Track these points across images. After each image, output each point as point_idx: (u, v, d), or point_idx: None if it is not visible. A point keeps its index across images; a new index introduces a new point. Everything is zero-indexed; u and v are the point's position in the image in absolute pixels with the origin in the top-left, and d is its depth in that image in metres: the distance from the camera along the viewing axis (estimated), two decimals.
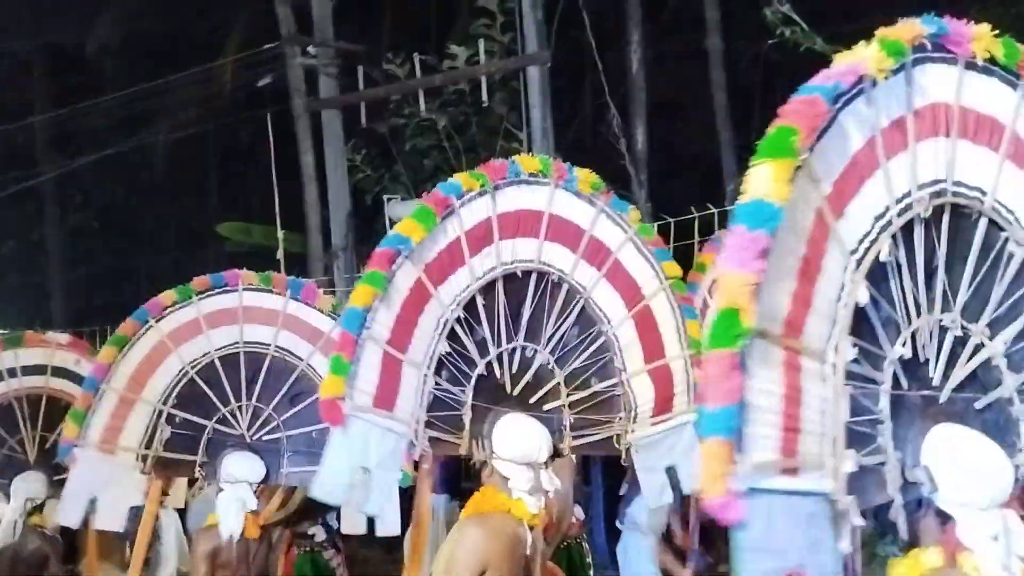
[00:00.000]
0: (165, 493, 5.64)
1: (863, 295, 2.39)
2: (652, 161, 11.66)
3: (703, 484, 2.17)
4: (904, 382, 2.53)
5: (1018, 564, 2.22)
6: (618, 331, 4.11)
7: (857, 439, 2.36)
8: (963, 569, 2.26)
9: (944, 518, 2.36)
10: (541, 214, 4.03)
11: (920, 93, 2.54)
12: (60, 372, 6.52)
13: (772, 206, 2.18)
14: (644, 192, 11.06)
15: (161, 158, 16.80)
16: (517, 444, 3.51)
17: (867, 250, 2.43)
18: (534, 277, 4.00)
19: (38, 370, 6.46)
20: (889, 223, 2.48)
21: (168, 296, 5.23)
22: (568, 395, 3.99)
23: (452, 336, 3.83)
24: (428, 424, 3.71)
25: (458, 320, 3.83)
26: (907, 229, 2.54)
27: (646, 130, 11.67)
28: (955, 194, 2.58)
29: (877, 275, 2.46)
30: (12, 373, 6.42)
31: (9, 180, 16.07)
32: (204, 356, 5.12)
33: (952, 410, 2.54)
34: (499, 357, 3.95)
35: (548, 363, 4.00)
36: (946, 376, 2.59)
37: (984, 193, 2.60)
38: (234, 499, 4.65)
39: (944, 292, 2.58)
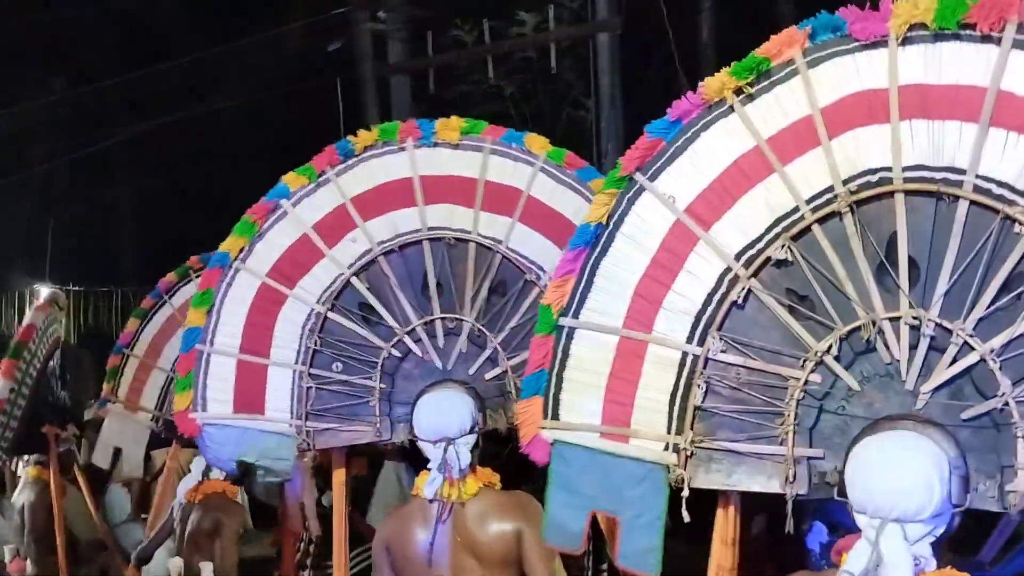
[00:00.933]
0: None
1: (736, 294, 2.59)
2: None
3: (521, 430, 2.87)
4: (852, 383, 2.47)
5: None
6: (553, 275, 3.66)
7: (741, 427, 2.60)
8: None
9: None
10: (410, 180, 3.77)
11: (832, 88, 2.52)
12: None
13: (588, 226, 2.79)
14: None
15: (228, 123, 16.90)
16: (423, 420, 3.36)
17: (761, 251, 2.57)
18: (427, 246, 3.74)
19: None
20: (795, 222, 2.53)
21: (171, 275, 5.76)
22: (508, 358, 3.65)
23: (341, 329, 3.76)
24: (317, 417, 3.73)
25: (338, 311, 3.76)
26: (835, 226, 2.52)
27: None
28: (910, 179, 2.42)
29: (786, 275, 2.56)
30: None
31: (81, 143, 16.31)
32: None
33: (924, 418, 2.35)
34: (413, 335, 3.72)
35: (477, 330, 3.68)
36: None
37: (960, 172, 2.36)
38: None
39: (923, 288, 2.41)
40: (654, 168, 2.73)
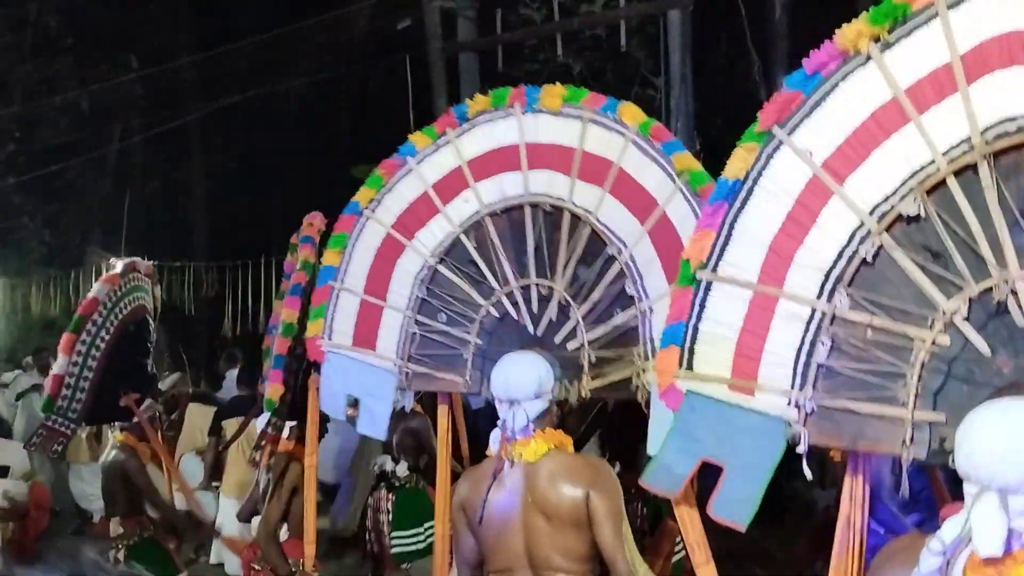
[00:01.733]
0: None
1: (867, 250, 2.54)
2: None
3: (657, 379, 2.96)
4: (982, 347, 2.35)
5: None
6: (634, 251, 3.57)
7: (863, 387, 2.55)
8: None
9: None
10: (516, 147, 3.82)
11: (973, 31, 2.38)
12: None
13: (727, 181, 2.81)
14: None
15: (299, 101, 17.09)
16: (493, 381, 3.41)
17: (894, 206, 2.50)
18: (528, 211, 3.80)
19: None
20: (930, 175, 2.44)
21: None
22: (587, 330, 3.66)
23: (442, 282, 3.97)
24: (417, 361, 4.02)
25: (447, 265, 3.96)
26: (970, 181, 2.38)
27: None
28: None
29: (919, 231, 2.47)
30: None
31: (154, 122, 16.58)
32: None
33: None
34: (511, 297, 3.82)
35: (564, 300, 3.71)
36: None
37: None
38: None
39: None
40: (792, 122, 2.72)
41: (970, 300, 2.37)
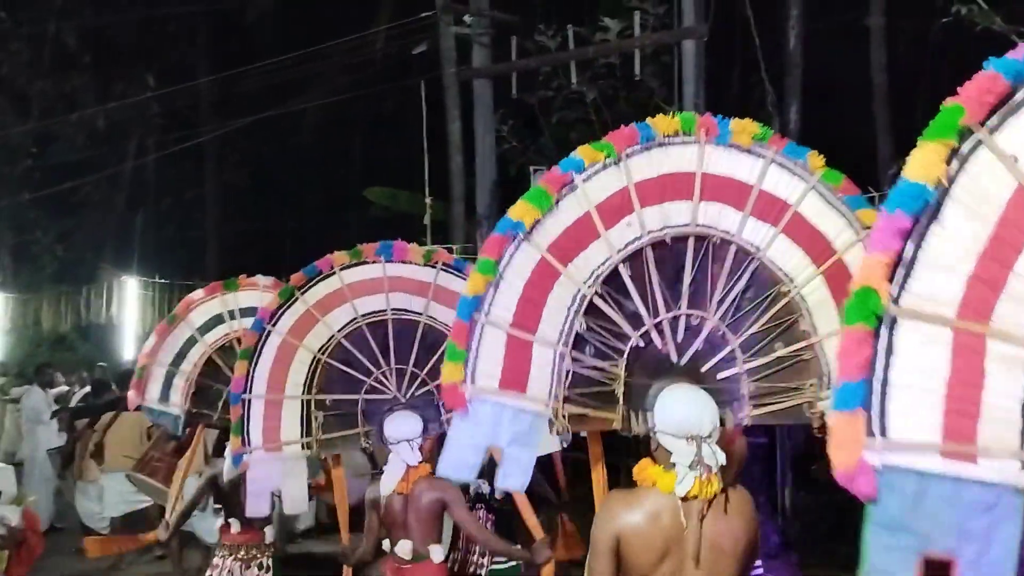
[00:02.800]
0: None
1: None
2: (805, 141, 11.25)
3: (833, 455, 2.24)
4: None
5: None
6: (804, 290, 3.63)
7: None
8: None
9: None
10: (692, 175, 3.69)
11: None
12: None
13: (920, 187, 2.20)
14: None
15: (313, 123, 17.18)
16: (675, 416, 3.25)
17: None
18: (692, 242, 3.67)
19: (252, 312, 6.51)
20: None
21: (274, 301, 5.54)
22: (745, 362, 3.66)
23: (595, 312, 3.67)
24: (571, 400, 3.65)
25: (601, 295, 3.66)
26: None
27: (800, 109, 11.27)
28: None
29: None
30: (232, 315, 6.70)
31: (170, 140, 16.67)
32: (330, 340, 5.42)
33: None
34: (659, 327, 3.68)
35: (719, 330, 3.66)
36: None
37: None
38: (396, 459, 4.93)
39: None
40: (994, 119, 2.20)
41: None
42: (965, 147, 2.20)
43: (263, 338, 5.36)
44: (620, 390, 3.64)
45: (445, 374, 3.64)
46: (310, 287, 5.45)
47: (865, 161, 11.19)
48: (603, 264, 3.65)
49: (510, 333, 3.65)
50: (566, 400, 3.64)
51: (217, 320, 6.64)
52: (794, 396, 3.62)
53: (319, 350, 5.38)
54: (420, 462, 4.91)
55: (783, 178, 3.66)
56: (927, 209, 2.20)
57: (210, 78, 15.82)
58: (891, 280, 2.22)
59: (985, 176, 2.19)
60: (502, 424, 3.63)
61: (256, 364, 5.34)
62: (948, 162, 2.19)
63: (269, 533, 5.85)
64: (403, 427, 4.94)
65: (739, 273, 3.65)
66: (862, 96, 11.78)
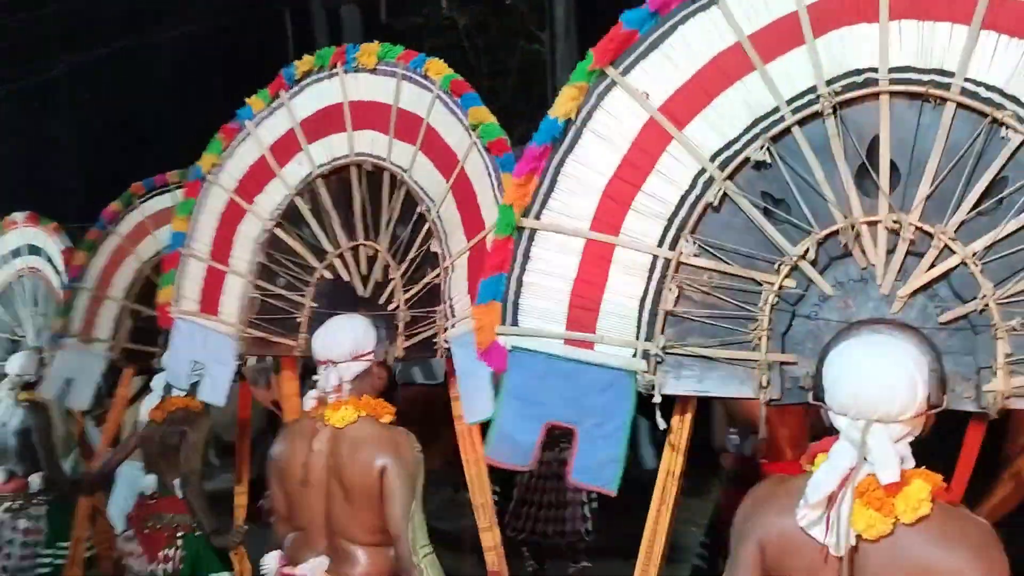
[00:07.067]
0: None
1: (712, 196, 2.52)
2: None
3: (476, 336, 2.80)
4: (826, 288, 2.42)
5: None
6: (441, 209, 3.59)
7: (713, 332, 2.54)
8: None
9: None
10: (340, 106, 3.85)
11: None
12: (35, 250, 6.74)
13: (552, 121, 2.68)
14: None
15: (172, 55, 16.50)
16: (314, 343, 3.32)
17: (738, 152, 2.50)
18: (354, 171, 3.80)
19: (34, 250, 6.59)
20: (775, 123, 2.46)
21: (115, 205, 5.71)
22: (404, 290, 3.64)
23: (285, 247, 3.94)
24: (255, 326, 3.97)
25: (284, 229, 3.95)
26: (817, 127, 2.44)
27: None
28: (896, 81, 2.36)
29: (762, 178, 2.49)
30: (16, 253, 6.58)
31: (16, 75, 15.83)
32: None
33: (900, 322, 2.32)
34: (343, 259, 3.82)
35: (386, 260, 3.72)
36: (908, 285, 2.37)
37: (949, 75, 2.32)
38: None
39: (903, 193, 2.37)
40: (627, 62, 2.64)
41: (816, 243, 2.42)
42: (602, 86, 2.66)
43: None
44: (303, 319, 3.86)
45: (159, 295, 4.22)
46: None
47: None
48: (282, 201, 3.95)
49: (209, 264, 4.11)
50: (250, 325, 3.99)
51: None
52: (429, 326, 3.56)
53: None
54: None
55: (415, 92, 3.70)
56: (562, 139, 2.68)
57: (59, 7, 15.05)
58: (534, 198, 2.72)
59: (618, 109, 2.63)
60: (198, 342, 4.08)
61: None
62: (585, 102, 2.66)
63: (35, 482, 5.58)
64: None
65: (395, 199, 3.72)
66: None
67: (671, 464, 2.72)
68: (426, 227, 3.60)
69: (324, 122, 3.87)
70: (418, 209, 3.62)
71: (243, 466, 4.47)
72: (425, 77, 3.64)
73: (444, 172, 3.57)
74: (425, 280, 3.58)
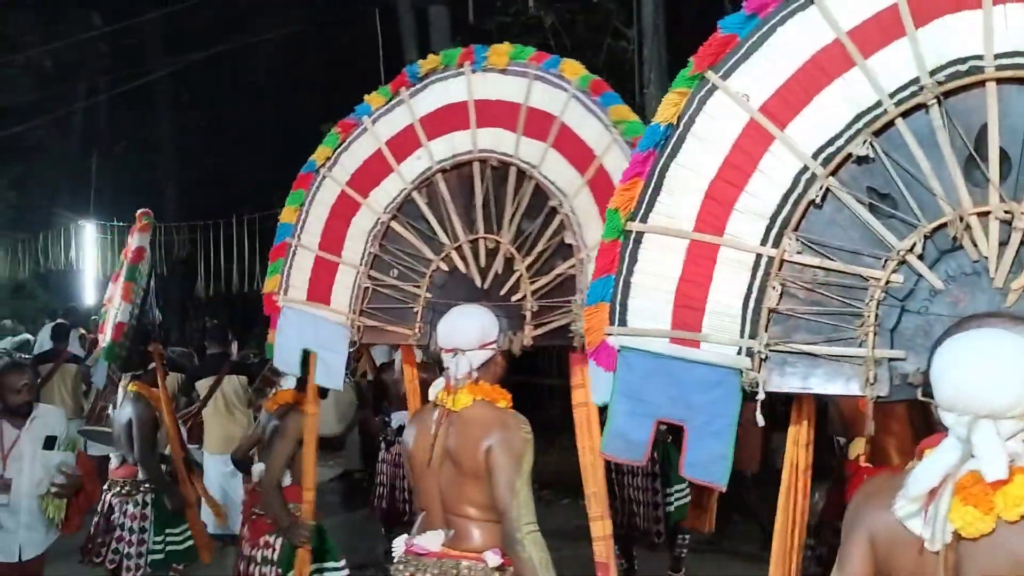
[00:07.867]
0: None
1: (814, 193, 2.53)
2: None
3: (587, 337, 2.89)
4: (936, 282, 2.40)
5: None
6: (574, 202, 3.68)
7: (817, 329, 2.55)
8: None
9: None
10: (465, 104, 3.94)
11: None
12: None
13: (656, 127, 2.74)
14: None
15: (267, 58, 16.86)
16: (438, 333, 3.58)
17: (840, 148, 2.51)
18: (476, 167, 3.89)
19: None
20: (877, 117, 2.46)
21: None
22: (531, 282, 3.73)
23: (394, 238, 4.07)
24: (367, 314, 4.11)
25: (399, 221, 4.06)
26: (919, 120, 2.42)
27: None
28: (1003, 67, 2.31)
29: (866, 173, 2.49)
30: None
31: (120, 80, 16.29)
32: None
33: (1014, 315, 2.24)
34: (460, 252, 3.92)
35: (509, 253, 3.79)
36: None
37: None
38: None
39: (1015, 182, 2.32)
40: (727, 66, 2.67)
41: (924, 237, 2.41)
42: (703, 91, 2.70)
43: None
44: (418, 308, 3.98)
45: (265, 285, 4.36)
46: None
47: None
48: (399, 194, 4.05)
49: (318, 255, 4.22)
50: (362, 313, 4.11)
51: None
52: (564, 315, 3.65)
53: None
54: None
55: (547, 92, 3.79)
56: (666, 144, 2.73)
57: (158, 13, 15.43)
58: (640, 202, 2.77)
59: (720, 112, 2.67)
60: (309, 330, 4.18)
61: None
62: (687, 107, 2.71)
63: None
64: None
65: (521, 193, 3.80)
66: None
67: (795, 458, 2.78)
68: (557, 220, 3.68)
69: (446, 119, 3.97)
70: (549, 203, 3.70)
71: (309, 465, 4.59)
72: (560, 77, 3.74)
73: (579, 167, 3.67)
74: (556, 271, 3.68)
